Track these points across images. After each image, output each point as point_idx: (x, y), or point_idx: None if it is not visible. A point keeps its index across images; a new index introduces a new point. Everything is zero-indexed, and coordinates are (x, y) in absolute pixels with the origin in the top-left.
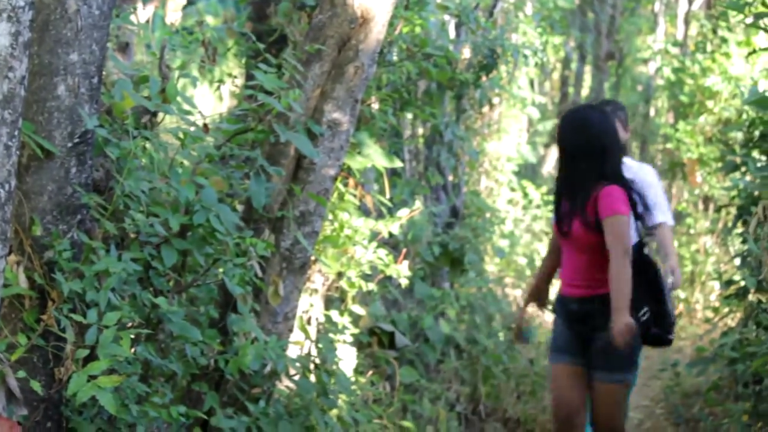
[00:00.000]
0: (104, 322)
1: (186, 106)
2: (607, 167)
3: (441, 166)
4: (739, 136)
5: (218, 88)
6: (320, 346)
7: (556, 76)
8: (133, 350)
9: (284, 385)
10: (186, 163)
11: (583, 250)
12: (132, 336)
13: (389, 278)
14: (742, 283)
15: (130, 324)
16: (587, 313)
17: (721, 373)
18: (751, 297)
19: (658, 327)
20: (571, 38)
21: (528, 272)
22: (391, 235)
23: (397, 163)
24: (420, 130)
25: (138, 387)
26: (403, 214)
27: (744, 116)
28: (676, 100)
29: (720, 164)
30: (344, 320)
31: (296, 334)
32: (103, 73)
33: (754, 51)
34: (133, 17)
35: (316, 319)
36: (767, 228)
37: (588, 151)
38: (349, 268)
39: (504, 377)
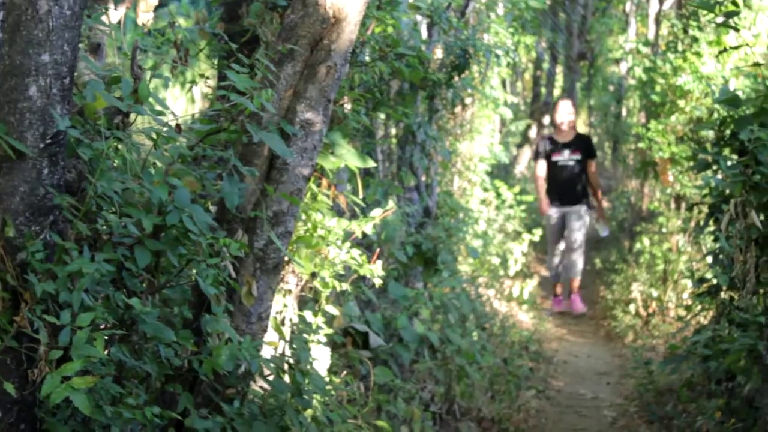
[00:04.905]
0: (78, 323)
1: (158, 107)
2: None
3: (414, 167)
4: (710, 134)
5: (190, 89)
6: (294, 346)
7: (528, 76)
8: (106, 351)
9: (258, 385)
10: (159, 163)
11: None
12: (106, 337)
13: (363, 278)
14: (714, 281)
15: (103, 325)
16: None
17: (693, 371)
18: (723, 294)
19: None
20: (542, 38)
21: (501, 272)
22: (364, 235)
23: (371, 164)
24: (393, 131)
25: (112, 388)
26: (377, 214)
27: (715, 115)
28: (648, 99)
29: (692, 163)
30: (318, 320)
31: (270, 335)
32: (75, 74)
33: (725, 50)
34: (104, 18)
35: (290, 319)
36: (739, 226)
37: None
38: (323, 268)
39: (478, 377)
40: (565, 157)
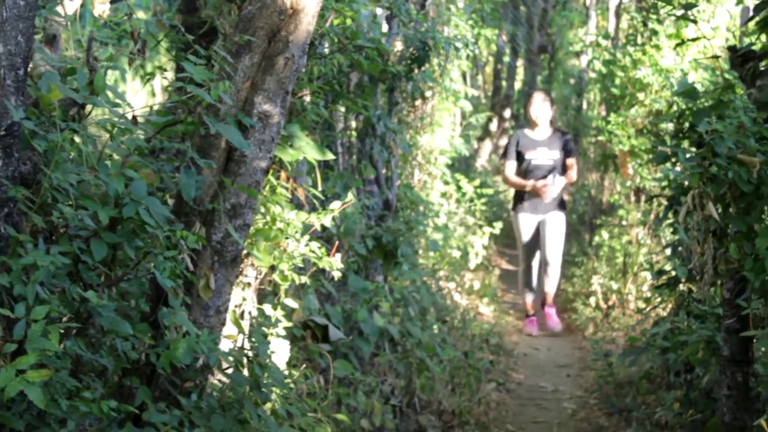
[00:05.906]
0: (32, 316)
1: (115, 99)
2: None
3: (374, 159)
4: (669, 127)
5: (148, 81)
6: (253, 339)
7: (488, 69)
8: (62, 345)
9: (217, 378)
10: (115, 155)
11: None
12: (61, 330)
13: (323, 271)
14: (673, 273)
15: (59, 318)
16: None
17: (653, 363)
18: (681, 287)
19: None
20: (503, 31)
21: (462, 265)
22: (323, 228)
23: (330, 156)
24: (352, 123)
25: (68, 382)
26: (336, 206)
27: (674, 107)
28: (608, 92)
29: (651, 155)
30: (277, 314)
31: (229, 328)
32: (30, 65)
33: (683, 42)
34: (60, 9)
35: (249, 312)
36: (697, 217)
37: None
38: (282, 261)
39: (438, 370)
40: (541, 156)
